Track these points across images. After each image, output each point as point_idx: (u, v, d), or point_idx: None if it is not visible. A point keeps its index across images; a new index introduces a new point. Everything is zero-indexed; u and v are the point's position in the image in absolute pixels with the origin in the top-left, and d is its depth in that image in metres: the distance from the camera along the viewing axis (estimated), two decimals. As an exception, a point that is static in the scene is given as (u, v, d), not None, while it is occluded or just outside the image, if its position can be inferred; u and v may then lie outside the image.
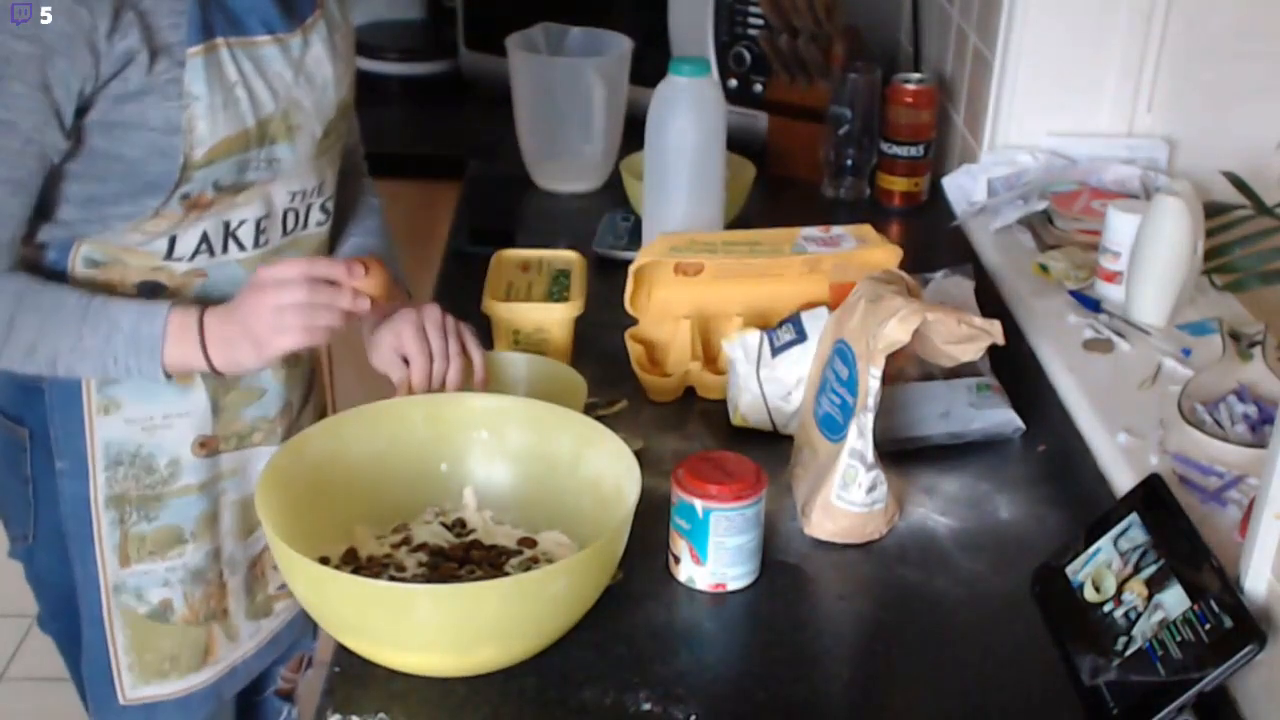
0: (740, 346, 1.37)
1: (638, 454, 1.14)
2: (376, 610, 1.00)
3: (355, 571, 1.12)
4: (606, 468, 1.15)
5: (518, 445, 1.22)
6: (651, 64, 1.83)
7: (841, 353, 1.24)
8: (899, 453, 1.34)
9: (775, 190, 2.00)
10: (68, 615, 1.37)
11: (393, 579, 1.12)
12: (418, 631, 1.00)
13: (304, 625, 1.54)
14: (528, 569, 1.14)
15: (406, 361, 1.32)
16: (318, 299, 1.19)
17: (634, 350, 1.47)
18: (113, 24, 1.13)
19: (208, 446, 1.33)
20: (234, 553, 1.40)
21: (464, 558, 1.16)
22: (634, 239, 1.76)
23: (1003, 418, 1.38)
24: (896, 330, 1.18)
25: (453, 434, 1.22)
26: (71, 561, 1.33)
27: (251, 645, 1.45)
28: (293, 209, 1.32)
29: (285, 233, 1.32)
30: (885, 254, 1.42)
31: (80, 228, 1.23)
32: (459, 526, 1.20)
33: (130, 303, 1.22)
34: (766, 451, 1.31)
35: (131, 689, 1.37)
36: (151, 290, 1.26)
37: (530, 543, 1.18)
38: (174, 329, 1.20)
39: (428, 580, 1.12)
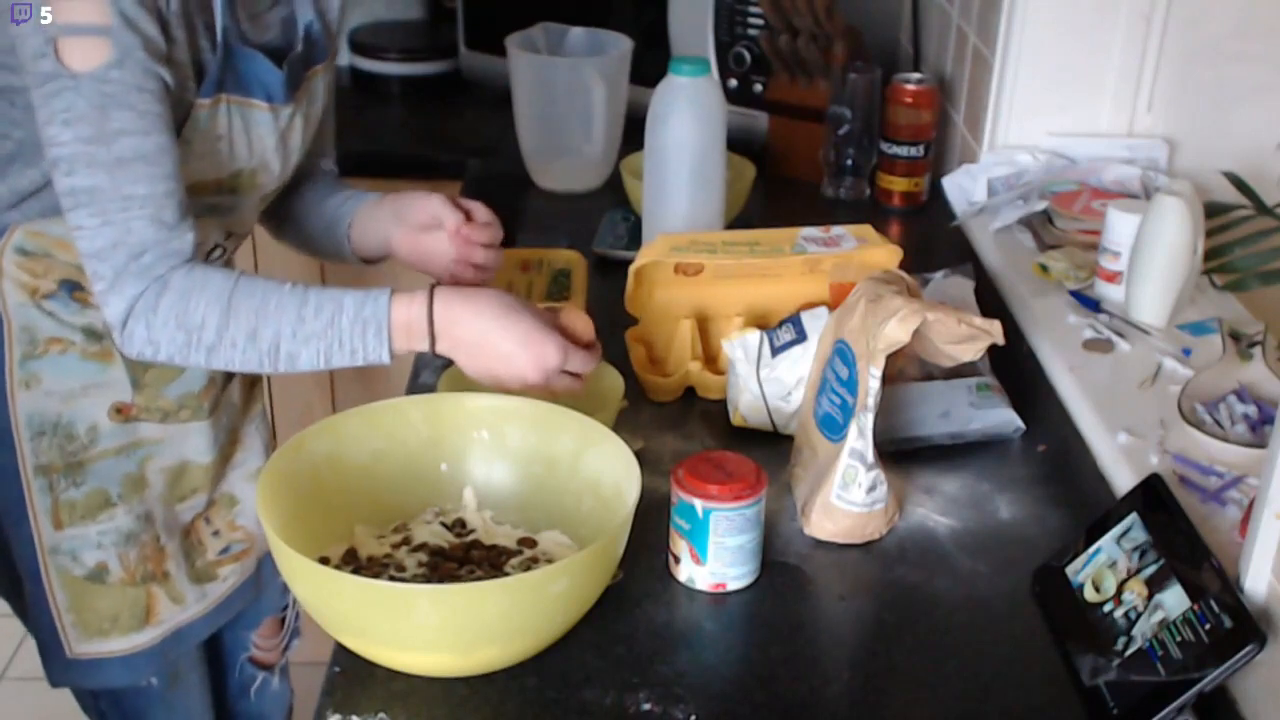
0: (740, 346, 1.37)
1: (638, 454, 1.14)
2: (377, 611, 1.00)
3: (355, 571, 1.12)
4: (606, 468, 1.15)
5: (517, 445, 1.22)
6: (651, 64, 1.83)
7: (841, 353, 1.24)
8: (899, 453, 1.34)
9: (775, 190, 2.00)
10: (12, 575, 1.40)
11: (393, 579, 1.12)
12: (418, 632, 1.00)
13: (255, 589, 1.56)
14: (528, 569, 1.14)
15: None
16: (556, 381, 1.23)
17: (634, 350, 1.47)
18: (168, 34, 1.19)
19: (124, 413, 1.35)
20: (166, 517, 1.42)
21: (464, 558, 1.16)
22: (634, 239, 1.76)
23: (1003, 418, 1.38)
24: (896, 330, 1.18)
25: (452, 434, 1.22)
26: (5, 526, 1.36)
27: (199, 609, 1.47)
28: (222, 246, 1.37)
29: (205, 259, 1.35)
30: (885, 254, 1.42)
31: (26, 208, 1.24)
32: (459, 526, 1.20)
33: (348, 288, 1.22)
34: (766, 451, 1.31)
35: (77, 644, 1.40)
36: (71, 288, 1.27)
37: (530, 543, 1.18)
38: (398, 318, 1.20)
39: (428, 580, 1.12)
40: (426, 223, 1.42)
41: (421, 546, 1.17)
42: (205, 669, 1.58)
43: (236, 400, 1.50)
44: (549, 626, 1.04)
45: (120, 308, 1.18)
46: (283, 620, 1.71)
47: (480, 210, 1.43)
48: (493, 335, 1.20)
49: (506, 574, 1.13)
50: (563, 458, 1.19)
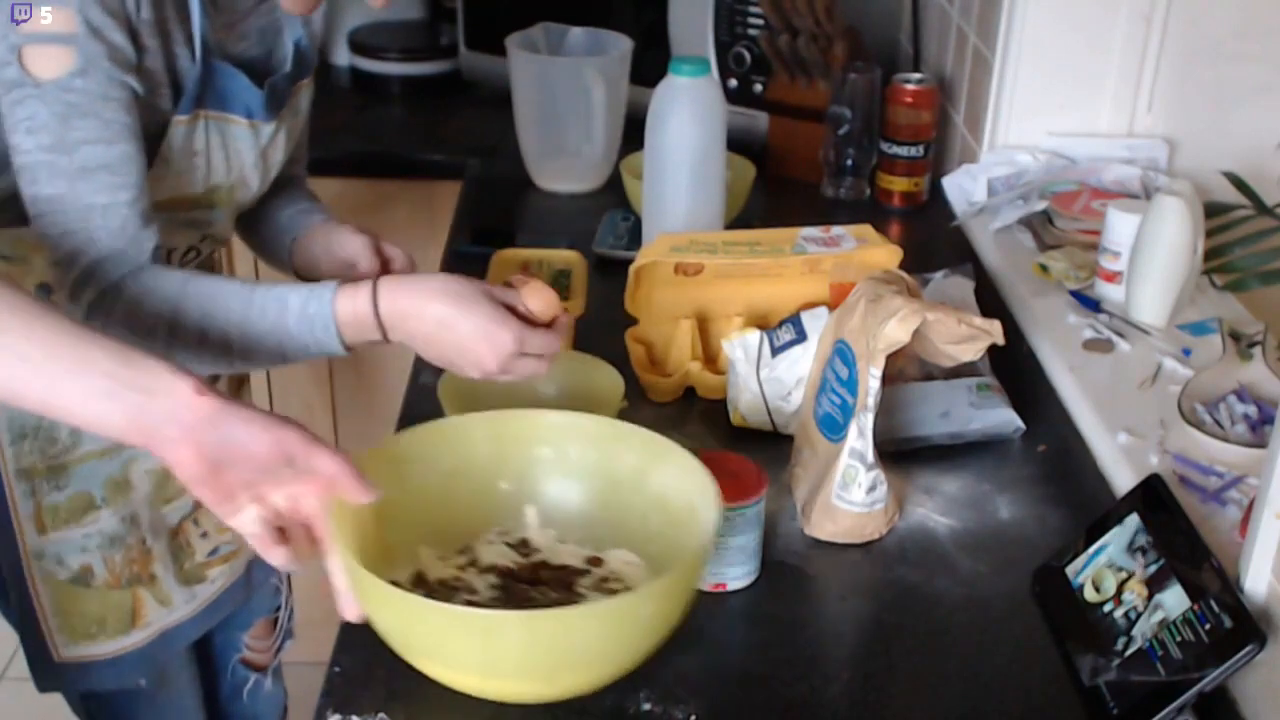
0: (740, 346, 1.37)
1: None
2: (466, 638, 0.96)
3: (427, 596, 1.07)
4: (675, 484, 1.11)
5: (579, 462, 1.17)
6: (651, 64, 1.83)
7: (841, 353, 1.24)
8: (899, 453, 1.34)
9: (775, 190, 2.00)
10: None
11: (468, 603, 1.07)
12: (506, 658, 0.96)
13: (246, 591, 1.56)
14: (599, 589, 1.11)
15: None
16: (518, 367, 1.19)
17: (634, 350, 1.47)
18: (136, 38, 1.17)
19: None
20: (153, 520, 1.42)
21: (534, 578, 1.12)
22: (634, 239, 1.76)
23: (1003, 418, 1.38)
24: (896, 330, 1.18)
25: (514, 451, 1.17)
26: None
27: (187, 610, 1.47)
28: (197, 249, 1.37)
29: (180, 261, 1.36)
30: (885, 254, 1.42)
31: (5, 213, 1.24)
32: (523, 546, 1.16)
33: (295, 285, 1.19)
34: (766, 451, 1.31)
35: (64, 648, 1.40)
36: (47, 291, 1.27)
37: (597, 561, 1.15)
38: (344, 314, 1.17)
39: (502, 603, 1.08)
40: (348, 260, 1.39)
41: (490, 568, 1.13)
42: (196, 670, 1.58)
43: None
44: (636, 651, 1.00)
45: (77, 316, 1.17)
46: (275, 621, 1.72)
47: (399, 261, 1.39)
48: (444, 326, 1.17)
49: (579, 594, 1.10)
50: (627, 474, 1.15)
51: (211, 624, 1.52)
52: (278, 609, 1.70)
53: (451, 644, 0.97)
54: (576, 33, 2.02)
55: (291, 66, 1.34)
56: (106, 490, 1.37)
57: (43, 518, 1.34)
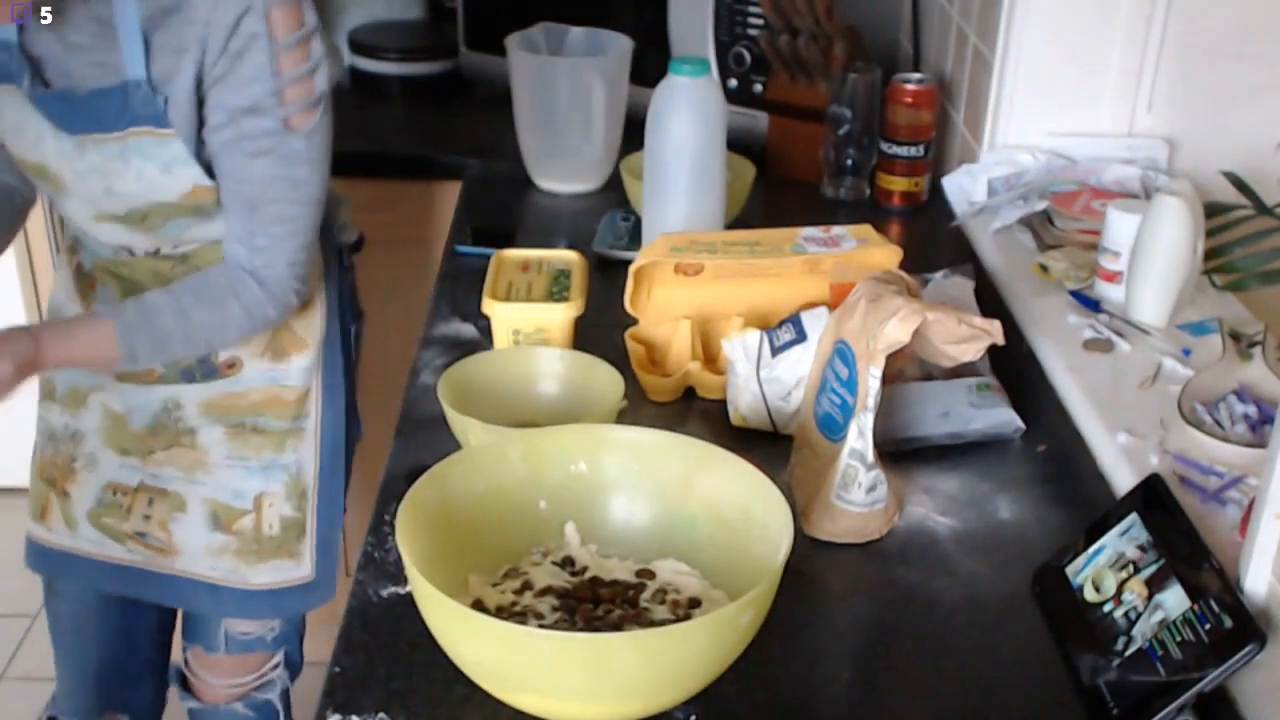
0: (740, 346, 1.37)
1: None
2: (576, 664, 0.94)
3: None
4: (725, 489, 1.12)
5: (618, 475, 1.17)
6: (651, 64, 1.83)
7: (841, 353, 1.24)
8: (899, 453, 1.34)
9: (775, 190, 2.00)
10: None
11: (543, 628, 1.06)
12: (616, 680, 0.95)
13: (165, 594, 1.59)
14: (661, 601, 1.11)
15: None
16: None
17: (634, 350, 1.47)
18: None
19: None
20: (96, 453, 1.52)
21: (594, 597, 1.11)
22: (634, 239, 1.76)
23: (1003, 418, 1.38)
24: (896, 330, 1.18)
25: (550, 470, 1.17)
26: None
27: (88, 549, 1.57)
28: (125, 247, 1.44)
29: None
30: (885, 254, 1.42)
31: None
32: (569, 565, 1.15)
33: None
34: (766, 451, 1.31)
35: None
36: None
37: (649, 574, 1.14)
38: None
39: (569, 624, 1.07)
40: None
41: (546, 590, 1.11)
42: (101, 627, 1.65)
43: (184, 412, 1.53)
44: (731, 659, 1.01)
45: None
46: (228, 666, 1.68)
47: None
48: None
49: (645, 609, 1.09)
50: (670, 483, 1.15)
51: (117, 591, 1.59)
52: (222, 651, 1.66)
53: (558, 672, 0.95)
54: (576, 33, 2.02)
55: (113, 101, 1.30)
56: (64, 392, 1.51)
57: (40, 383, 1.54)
